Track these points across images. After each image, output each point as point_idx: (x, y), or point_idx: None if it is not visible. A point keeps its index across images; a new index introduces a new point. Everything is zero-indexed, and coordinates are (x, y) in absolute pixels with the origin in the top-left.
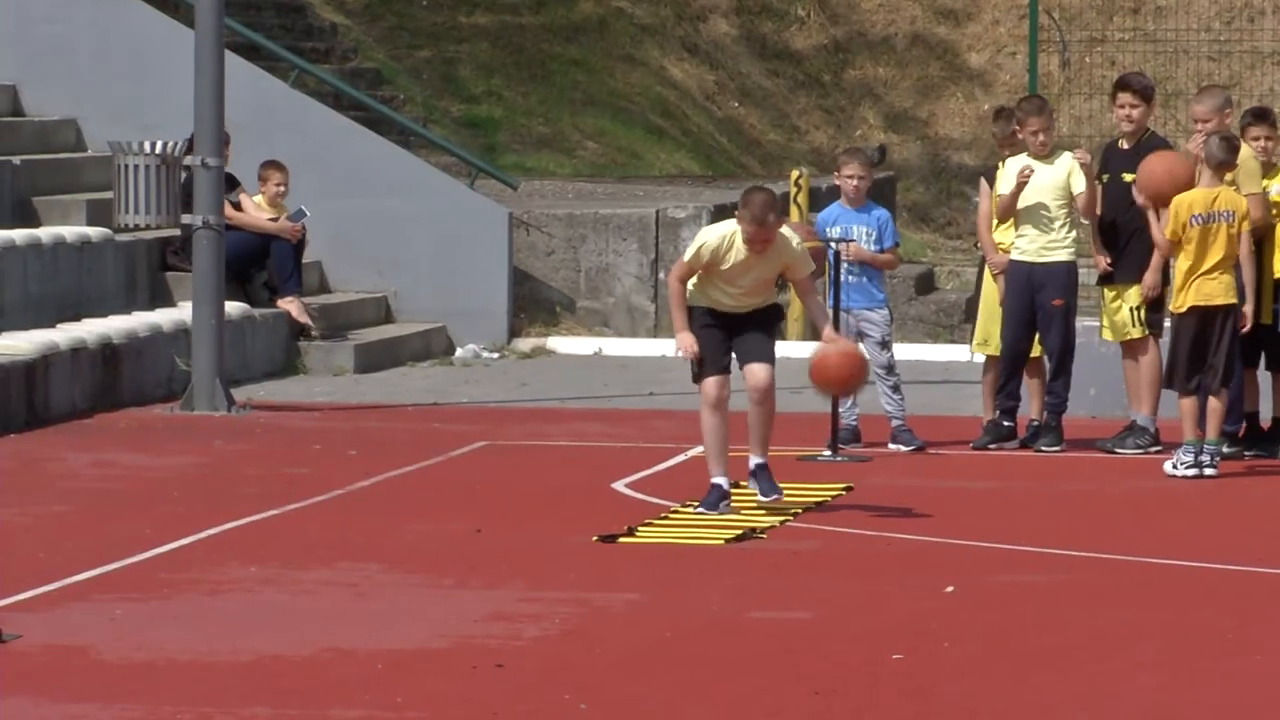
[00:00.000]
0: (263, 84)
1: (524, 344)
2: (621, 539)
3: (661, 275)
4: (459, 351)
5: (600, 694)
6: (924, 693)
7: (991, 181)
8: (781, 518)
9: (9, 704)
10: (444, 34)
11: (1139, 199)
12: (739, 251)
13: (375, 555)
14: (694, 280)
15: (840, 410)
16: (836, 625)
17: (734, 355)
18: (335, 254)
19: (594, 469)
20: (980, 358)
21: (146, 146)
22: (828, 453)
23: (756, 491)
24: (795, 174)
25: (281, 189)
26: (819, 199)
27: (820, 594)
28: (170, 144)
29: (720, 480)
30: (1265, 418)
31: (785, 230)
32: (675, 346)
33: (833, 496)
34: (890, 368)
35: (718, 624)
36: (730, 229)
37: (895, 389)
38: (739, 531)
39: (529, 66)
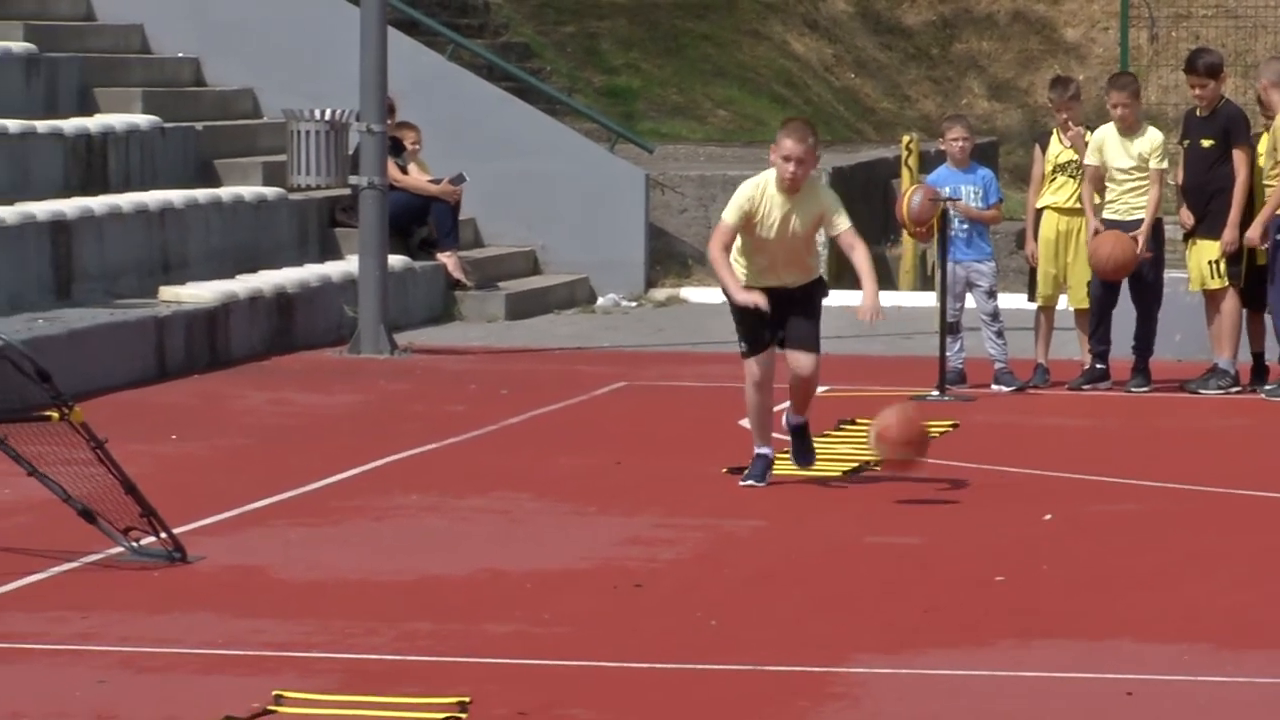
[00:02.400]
0: (422, 57)
1: (659, 294)
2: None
3: None
4: (600, 300)
5: (729, 611)
6: (1026, 610)
7: (1044, 146)
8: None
9: (195, 618)
10: (587, 11)
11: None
12: (773, 200)
13: (526, 485)
14: (734, 256)
15: (948, 354)
16: (945, 549)
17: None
18: (489, 211)
19: (722, 408)
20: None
21: (317, 113)
22: (936, 393)
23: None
24: (906, 139)
25: (417, 147)
26: (928, 162)
27: (929, 521)
28: (338, 111)
29: (764, 450)
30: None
31: (825, 186)
32: (739, 306)
33: (940, 433)
34: (995, 315)
35: (836, 548)
36: (763, 177)
37: (999, 335)
38: (855, 465)
39: (664, 41)
